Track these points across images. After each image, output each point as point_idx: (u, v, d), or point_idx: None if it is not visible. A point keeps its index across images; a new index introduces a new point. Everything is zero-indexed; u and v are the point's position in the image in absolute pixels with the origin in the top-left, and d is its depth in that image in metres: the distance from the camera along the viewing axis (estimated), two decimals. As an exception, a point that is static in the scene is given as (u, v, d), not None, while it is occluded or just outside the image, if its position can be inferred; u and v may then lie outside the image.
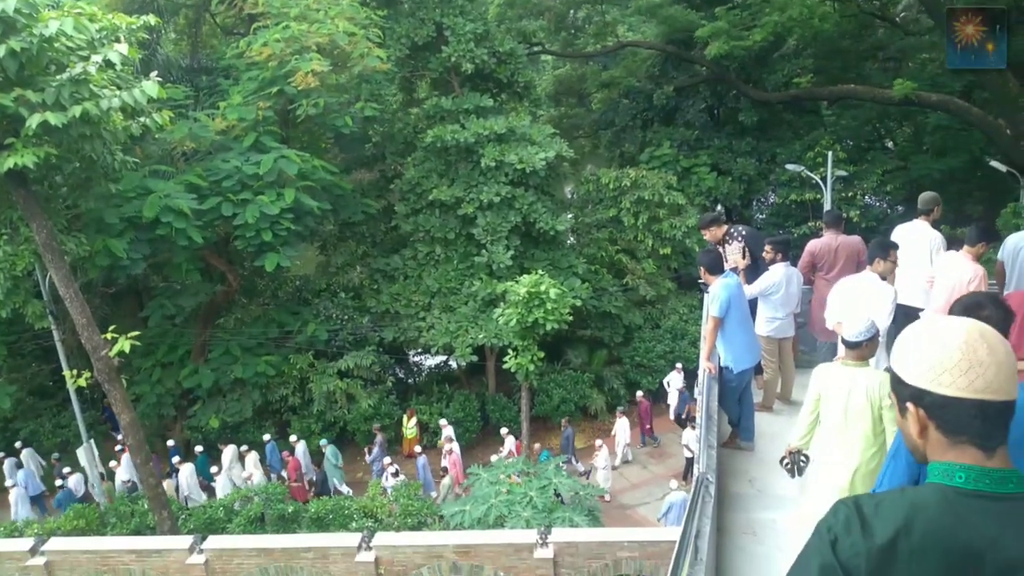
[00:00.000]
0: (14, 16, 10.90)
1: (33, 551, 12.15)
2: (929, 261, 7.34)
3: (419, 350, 22.87)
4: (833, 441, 4.87)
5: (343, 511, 14.70)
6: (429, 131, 20.70)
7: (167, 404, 20.10)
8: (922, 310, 7.08)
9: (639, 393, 20.22)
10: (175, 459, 18.26)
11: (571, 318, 18.26)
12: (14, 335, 20.23)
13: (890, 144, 29.32)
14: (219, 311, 21.40)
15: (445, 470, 16.93)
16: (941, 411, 1.67)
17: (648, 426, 20.04)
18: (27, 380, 21.30)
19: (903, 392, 1.75)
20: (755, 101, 26.59)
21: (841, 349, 5.19)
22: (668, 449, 19.79)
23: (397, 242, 22.98)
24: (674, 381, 20.29)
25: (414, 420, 19.83)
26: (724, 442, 7.07)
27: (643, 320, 22.78)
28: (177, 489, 17.42)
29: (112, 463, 18.34)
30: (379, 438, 19.00)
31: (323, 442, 18.84)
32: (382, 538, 11.76)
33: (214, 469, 17.67)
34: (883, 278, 6.33)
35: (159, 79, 12.20)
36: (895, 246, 6.46)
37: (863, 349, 4.84)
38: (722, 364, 7.08)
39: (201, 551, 11.86)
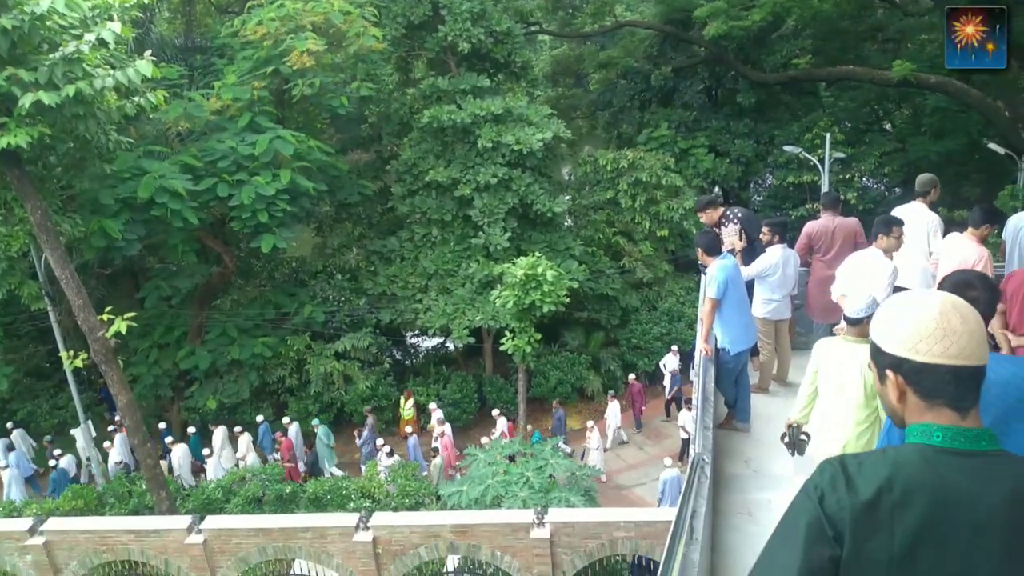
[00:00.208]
0: (5, -7, 10.79)
1: (32, 531, 12.18)
2: (926, 243, 7.34)
3: (416, 332, 22.88)
4: (829, 415, 4.89)
5: (341, 491, 14.76)
6: (425, 111, 20.57)
7: (164, 385, 20.11)
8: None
9: (631, 376, 20.25)
10: (168, 439, 18.27)
11: (568, 300, 18.27)
12: (10, 316, 20.20)
13: (888, 126, 29.24)
14: (215, 292, 21.37)
15: (436, 451, 16.99)
16: (918, 377, 1.79)
17: (641, 409, 20.07)
18: (23, 361, 21.29)
19: (883, 361, 1.86)
20: (753, 82, 26.46)
21: (843, 324, 5.21)
22: (664, 430, 19.88)
23: (394, 223, 22.91)
24: (670, 363, 20.35)
25: (411, 401, 19.88)
26: (720, 423, 7.10)
27: (640, 302, 22.80)
28: (170, 470, 17.47)
29: (106, 443, 18.39)
30: (369, 420, 19.05)
31: (315, 422, 18.90)
32: (380, 518, 11.81)
33: (206, 451, 17.73)
34: (887, 254, 6.35)
35: (153, 58, 12.07)
36: (899, 223, 6.47)
37: (863, 325, 4.84)
38: (719, 346, 7.09)
39: (199, 531, 11.91)
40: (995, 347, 5.85)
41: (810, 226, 8.33)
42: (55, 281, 14.41)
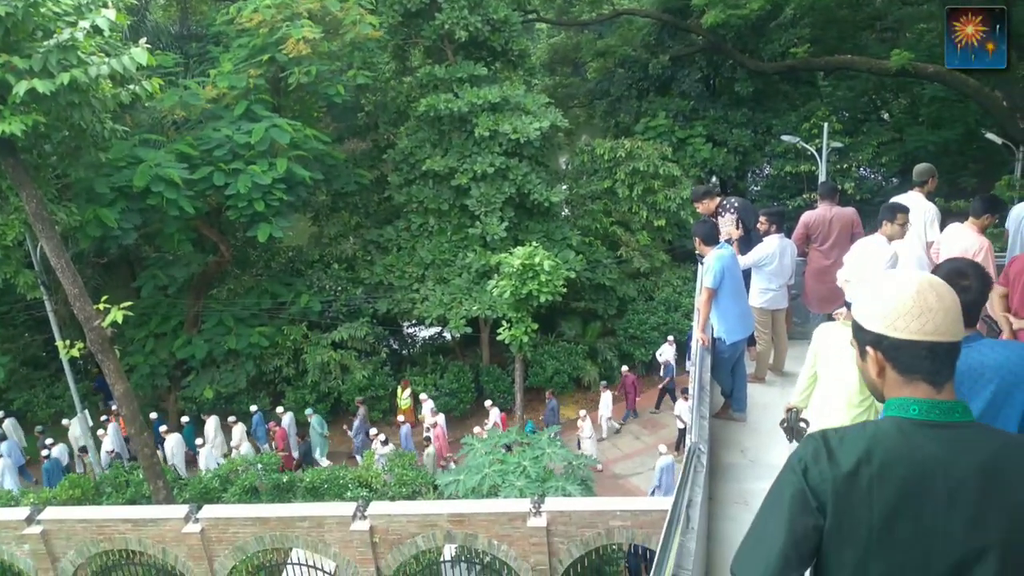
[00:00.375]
0: (-2, -20, 10.70)
1: (29, 520, 12.18)
2: (923, 232, 7.34)
3: (413, 321, 22.87)
4: (829, 400, 4.90)
5: (338, 481, 14.79)
6: (422, 100, 20.48)
7: (161, 375, 20.10)
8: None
9: (624, 368, 20.27)
10: (162, 428, 18.26)
11: (565, 290, 18.26)
12: (6, 305, 20.18)
13: (886, 116, 29.21)
14: (212, 282, 21.34)
15: (428, 440, 17.02)
16: (896, 352, 1.88)
17: (635, 399, 20.10)
18: (20, 351, 21.26)
19: (863, 338, 1.96)
20: (751, 71, 26.39)
21: (843, 309, 5.22)
22: (661, 420, 19.92)
23: (390, 213, 22.86)
24: (666, 353, 20.39)
25: (408, 391, 19.90)
26: (717, 413, 7.11)
27: (637, 292, 22.80)
28: (164, 460, 17.50)
29: (99, 432, 18.39)
30: (361, 410, 19.07)
31: (308, 411, 18.91)
32: (377, 507, 11.83)
33: (199, 441, 17.75)
34: (890, 241, 6.39)
35: (148, 46, 12.00)
36: (904, 209, 6.50)
37: None
38: (715, 335, 7.09)
39: (197, 520, 11.92)
40: (998, 332, 5.91)
41: (807, 216, 8.33)
42: (51, 270, 14.36)
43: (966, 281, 3.25)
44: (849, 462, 1.79)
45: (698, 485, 4.65)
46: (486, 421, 18.12)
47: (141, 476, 15.06)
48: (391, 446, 16.83)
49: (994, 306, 5.85)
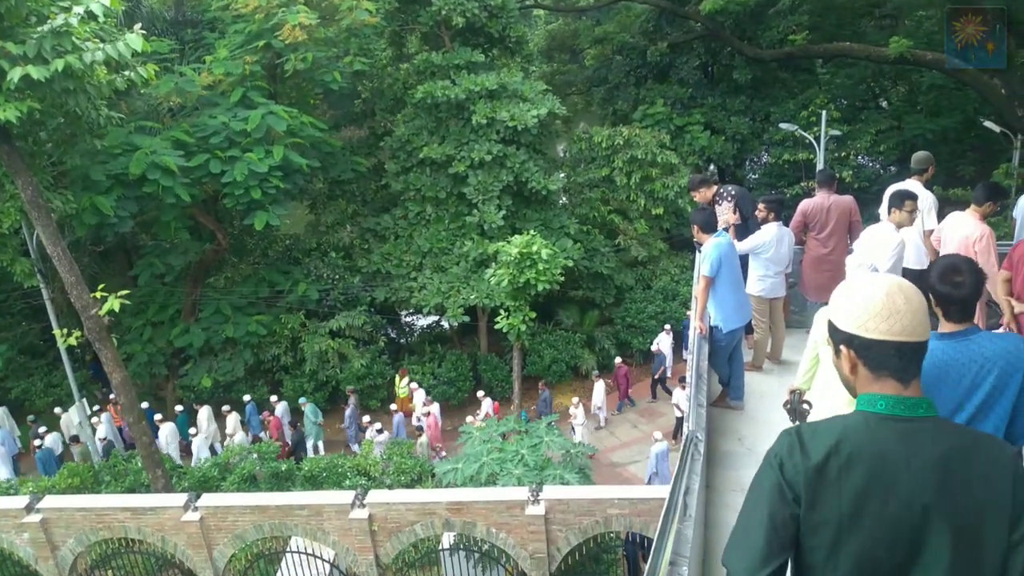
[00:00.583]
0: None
1: (28, 508, 12.21)
2: (922, 221, 7.34)
3: (411, 310, 22.86)
4: (831, 383, 4.90)
5: (337, 469, 14.82)
6: (419, 87, 20.38)
7: (158, 363, 20.09)
8: (913, 270, 7.08)
9: (618, 359, 20.29)
10: (156, 417, 18.25)
11: (563, 279, 18.25)
12: (3, 294, 20.14)
13: (884, 104, 29.17)
14: (209, 270, 21.29)
15: (420, 429, 17.05)
16: (867, 351, 2.03)
17: (626, 390, 20.10)
18: (17, 339, 21.23)
19: (837, 337, 2.11)
20: (750, 59, 26.30)
21: None
22: (658, 409, 19.97)
23: (387, 201, 22.80)
24: (663, 343, 20.41)
25: (406, 379, 19.92)
26: (714, 401, 7.12)
27: (635, 281, 22.80)
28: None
29: (94, 420, 18.40)
30: (352, 399, 19.10)
31: (302, 400, 18.92)
32: (375, 495, 11.86)
33: (192, 430, 17.75)
34: (898, 228, 6.41)
35: (143, 32, 11.89)
36: (912, 196, 6.51)
37: None
38: (712, 324, 7.08)
39: (196, 509, 11.95)
40: (1000, 315, 5.96)
41: (805, 204, 8.31)
42: (47, 258, 14.32)
43: (959, 277, 3.34)
44: (819, 454, 1.95)
45: (695, 473, 4.66)
46: (478, 411, 18.16)
47: (140, 465, 15.08)
48: (386, 434, 16.86)
49: (997, 290, 5.92)
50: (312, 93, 21.73)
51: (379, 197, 23.27)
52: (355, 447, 18.14)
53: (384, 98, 22.68)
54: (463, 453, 13.67)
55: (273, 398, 19.11)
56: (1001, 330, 5.99)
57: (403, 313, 23.78)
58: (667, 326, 20.75)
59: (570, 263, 19.26)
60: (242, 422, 18.41)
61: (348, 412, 18.73)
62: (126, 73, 12.65)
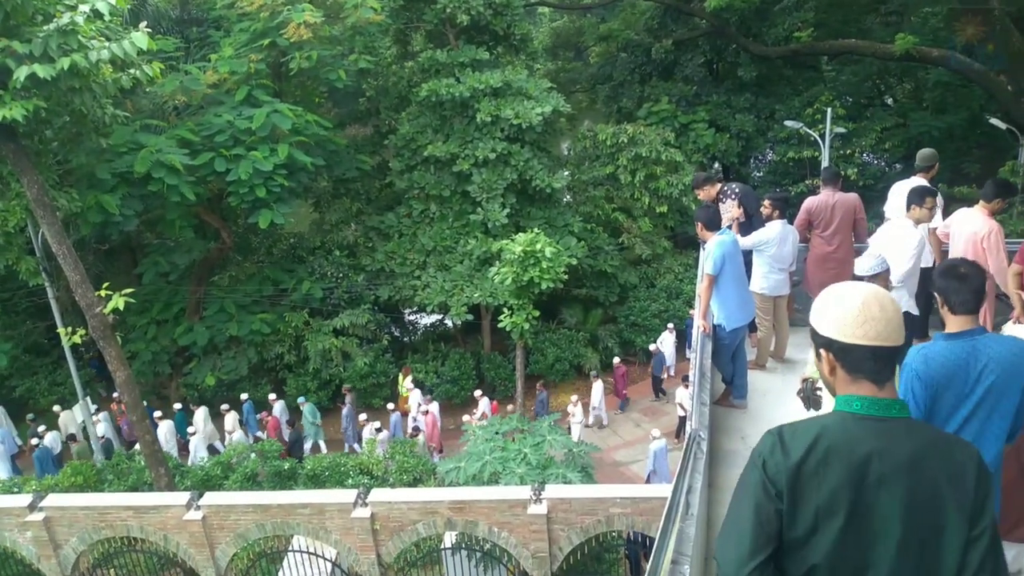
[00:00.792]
0: (-4, -36, 10.61)
1: (32, 507, 12.22)
2: (927, 219, 7.31)
3: (414, 308, 22.86)
4: None
5: (339, 468, 14.81)
6: (424, 85, 20.36)
7: (162, 362, 20.12)
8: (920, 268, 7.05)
9: (616, 360, 20.21)
10: (156, 414, 18.25)
11: (566, 277, 18.22)
12: (8, 292, 20.16)
13: (890, 101, 29.06)
14: (213, 268, 21.32)
15: (416, 430, 17.03)
16: (844, 355, 2.18)
17: (624, 391, 20.03)
18: (22, 338, 21.27)
19: (818, 341, 2.26)
20: (755, 56, 26.22)
21: None
22: (661, 408, 19.92)
23: (392, 199, 22.80)
24: (667, 341, 20.36)
25: (409, 378, 19.91)
26: (717, 400, 7.08)
27: (639, 279, 22.75)
28: None
29: (93, 418, 18.40)
30: (349, 398, 19.09)
31: (301, 400, 18.91)
32: (378, 494, 11.84)
33: (191, 429, 17.76)
34: (917, 224, 6.43)
35: (148, 30, 11.90)
36: (932, 193, 6.54)
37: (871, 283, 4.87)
38: (716, 322, 7.05)
39: (198, 507, 11.94)
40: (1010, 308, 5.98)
41: (810, 202, 8.26)
42: (52, 257, 14.33)
43: (963, 270, 3.55)
44: (799, 452, 2.10)
45: (698, 472, 4.63)
46: (474, 410, 18.12)
47: (143, 463, 15.10)
48: (385, 433, 16.87)
49: (1008, 284, 5.98)
50: (317, 91, 21.75)
51: (383, 195, 23.27)
52: (355, 446, 18.13)
53: (388, 96, 22.67)
54: (466, 452, 13.65)
55: (272, 396, 19.07)
56: (1011, 323, 6.01)
57: (407, 311, 23.77)
58: (670, 324, 20.70)
59: (574, 261, 19.22)
60: (240, 421, 18.42)
61: (345, 411, 18.74)
62: (131, 71, 12.67)
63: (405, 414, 18.55)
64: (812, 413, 5.39)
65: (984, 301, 3.65)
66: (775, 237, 7.62)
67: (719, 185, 8.59)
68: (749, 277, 7.64)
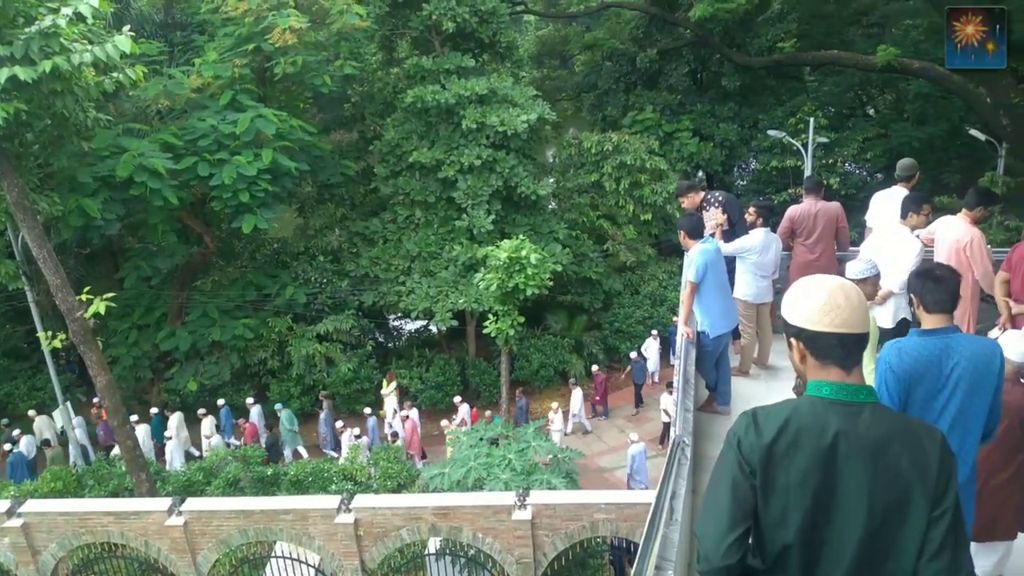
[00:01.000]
0: (-22, -34, 10.52)
1: (10, 513, 12.07)
2: (907, 227, 7.40)
3: (399, 314, 22.81)
4: None
5: (322, 474, 14.73)
6: (409, 91, 20.37)
7: (144, 367, 19.94)
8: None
9: (595, 367, 20.24)
10: (132, 418, 18.05)
11: (551, 283, 18.25)
12: (-13, 296, 19.91)
13: (871, 111, 29.40)
14: (196, 273, 21.18)
15: (395, 435, 16.95)
16: (813, 342, 2.31)
17: (599, 399, 20.01)
18: (1, 342, 21.03)
19: (789, 330, 2.39)
20: (738, 66, 26.45)
21: None
22: (646, 414, 19.98)
23: (376, 205, 22.76)
24: (651, 348, 20.42)
25: (393, 384, 19.84)
26: (701, 406, 7.13)
27: (623, 286, 22.84)
28: None
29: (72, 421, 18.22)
30: (326, 404, 19.00)
31: (278, 406, 18.79)
32: (361, 500, 11.80)
33: (167, 433, 17.60)
34: (914, 231, 6.53)
35: (132, 33, 11.84)
36: (928, 200, 6.64)
37: (861, 287, 4.93)
38: (699, 329, 7.10)
39: (180, 513, 11.85)
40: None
41: (792, 210, 8.36)
42: (33, 260, 14.19)
43: (938, 271, 3.73)
44: (770, 433, 2.23)
45: (682, 478, 4.66)
46: (454, 416, 18.11)
47: (123, 468, 14.95)
48: (365, 439, 16.81)
49: (995, 291, 6.08)
50: (302, 97, 21.70)
51: (368, 201, 23.22)
52: (331, 453, 18.04)
53: (374, 102, 22.65)
54: (450, 457, 13.63)
55: (249, 400, 18.93)
56: (996, 330, 6.10)
57: (391, 317, 23.71)
58: (654, 331, 20.77)
59: (559, 268, 19.28)
60: (217, 427, 18.28)
61: (322, 417, 18.64)
62: (114, 75, 12.57)
63: (382, 419, 18.47)
64: None
65: (958, 304, 3.74)
66: (758, 244, 7.69)
67: (703, 193, 8.66)
68: (732, 285, 7.71)
